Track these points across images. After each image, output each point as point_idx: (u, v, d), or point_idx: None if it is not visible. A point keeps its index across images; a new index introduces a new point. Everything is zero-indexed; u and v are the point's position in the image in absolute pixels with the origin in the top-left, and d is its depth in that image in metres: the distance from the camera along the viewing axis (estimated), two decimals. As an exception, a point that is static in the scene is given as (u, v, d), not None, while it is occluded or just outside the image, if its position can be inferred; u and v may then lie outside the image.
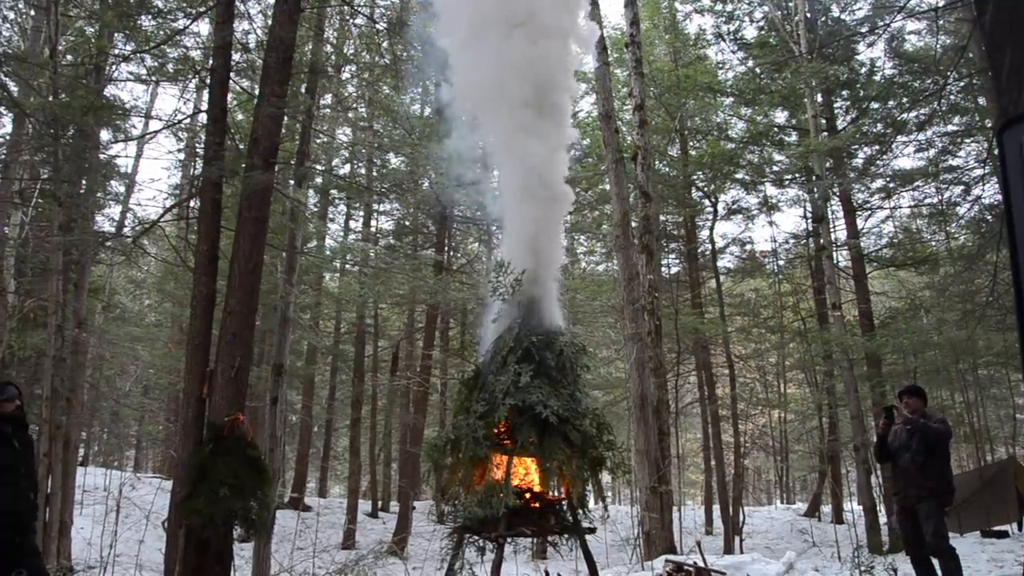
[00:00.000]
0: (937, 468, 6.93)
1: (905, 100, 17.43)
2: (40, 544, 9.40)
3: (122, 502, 13.35)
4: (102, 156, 13.45)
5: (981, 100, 15.79)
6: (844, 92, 20.04)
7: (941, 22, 13.22)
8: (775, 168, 21.66)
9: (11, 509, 5.64)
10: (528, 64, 7.50)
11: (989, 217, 16.14)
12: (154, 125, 18.35)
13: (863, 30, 17.75)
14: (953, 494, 7.05)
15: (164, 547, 8.03)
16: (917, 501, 6.91)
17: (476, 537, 7.10)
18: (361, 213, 23.40)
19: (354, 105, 17.33)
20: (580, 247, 25.30)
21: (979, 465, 19.64)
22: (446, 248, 21.92)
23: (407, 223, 23.76)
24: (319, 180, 18.71)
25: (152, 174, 51.95)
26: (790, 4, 19.53)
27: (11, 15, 13.24)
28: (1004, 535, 13.83)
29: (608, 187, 14.06)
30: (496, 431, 6.93)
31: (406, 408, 22.65)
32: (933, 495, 6.85)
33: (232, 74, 9.97)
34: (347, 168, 21.72)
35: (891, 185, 19.77)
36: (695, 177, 21.39)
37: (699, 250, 22.91)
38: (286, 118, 10.53)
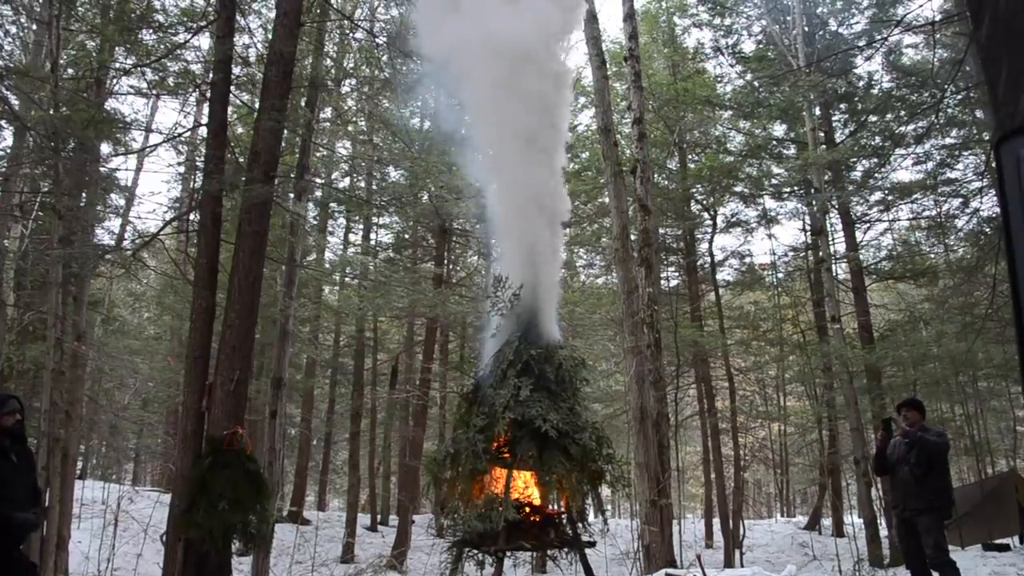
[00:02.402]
0: (936, 481, 6.92)
1: (903, 113, 17.49)
2: (38, 558, 9.37)
3: (120, 516, 13.33)
4: (102, 169, 13.49)
5: (978, 113, 15.85)
6: (842, 105, 20.11)
7: (938, 36, 13.26)
8: (774, 181, 21.72)
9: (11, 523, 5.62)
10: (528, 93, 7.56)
11: (987, 229, 16.18)
12: (154, 138, 18.36)
13: (861, 44, 17.83)
14: (952, 507, 7.03)
15: (162, 561, 8.01)
16: (916, 514, 6.89)
17: (475, 551, 7.07)
18: (361, 226, 23.43)
19: (354, 119, 17.39)
20: (579, 260, 25.34)
21: (980, 478, 19.59)
22: (445, 261, 21.92)
23: (406, 236, 23.79)
24: (319, 193, 18.76)
25: (152, 187, 52.13)
26: (788, 18, 19.63)
27: (13, 29, 13.30)
28: (1006, 548, 13.77)
29: (607, 200, 14.09)
30: (496, 445, 6.92)
31: (405, 421, 22.61)
32: (932, 508, 6.84)
33: (232, 88, 10.02)
34: (347, 181, 21.78)
35: (890, 198, 19.81)
36: (694, 190, 21.44)
37: (698, 263, 22.93)
38: (286, 132, 10.57)
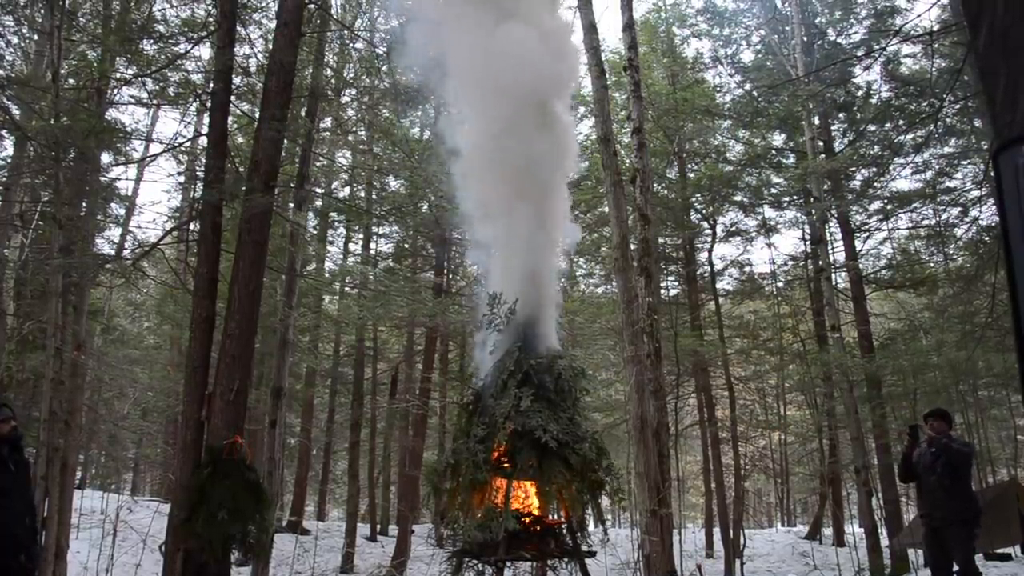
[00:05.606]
0: (963, 490, 7.02)
1: (902, 122, 17.51)
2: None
3: (119, 525, 13.29)
4: (103, 179, 13.50)
5: (977, 122, 15.89)
6: (841, 114, 20.15)
7: (936, 45, 13.30)
8: (773, 190, 21.74)
9: (9, 532, 5.61)
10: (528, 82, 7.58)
11: (987, 238, 16.18)
12: (155, 148, 18.40)
13: (859, 53, 17.88)
14: (980, 516, 7.09)
15: (161, 571, 7.98)
16: (946, 525, 6.99)
17: (475, 561, 7.05)
18: (360, 236, 23.43)
19: (354, 128, 17.42)
20: (579, 270, 25.31)
21: (980, 487, 19.55)
22: (445, 271, 21.93)
23: (406, 245, 23.80)
24: (319, 203, 18.77)
25: (152, 197, 52.16)
26: (787, 28, 19.69)
27: (14, 39, 13.34)
28: (1007, 557, 13.73)
29: (607, 210, 14.09)
30: (496, 455, 6.91)
31: (405, 431, 22.56)
32: (961, 519, 6.95)
33: (233, 98, 10.04)
34: (347, 191, 21.81)
35: (889, 207, 19.82)
36: (694, 199, 21.45)
37: (698, 272, 22.92)
38: (286, 141, 10.59)
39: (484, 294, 7.70)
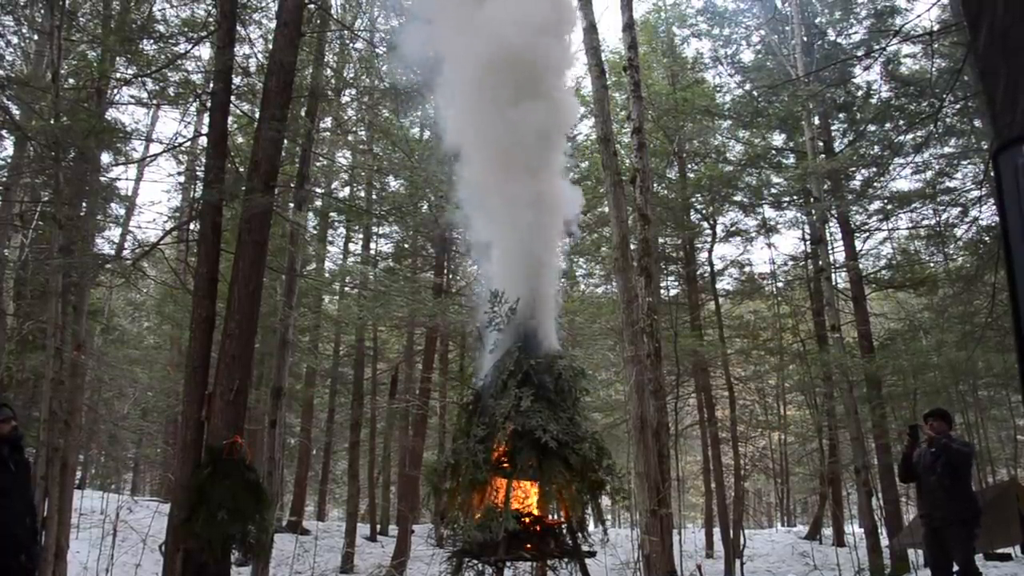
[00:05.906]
0: (962, 490, 7.04)
1: (902, 122, 17.51)
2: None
3: (119, 525, 13.29)
4: (103, 179, 13.50)
5: (977, 122, 15.89)
6: (841, 114, 20.15)
7: (936, 45, 13.30)
8: (773, 190, 21.74)
9: (9, 532, 5.61)
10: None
11: (987, 238, 16.18)
12: (155, 148, 18.41)
13: (859, 53, 17.88)
14: (980, 516, 7.10)
15: (161, 571, 7.98)
16: (946, 525, 7.01)
17: (475, 561, 7.05)
18: (360, 236, 23.44)
19: (354, 128, 17.42)
20: (579, 270, 25.29)
21: (980, 487, 19.54)
22: (445, 270, 21.93)
23: (406, 245, 23.80)
24: (319, 203, 18.77)
25: (152, 197, 52.17)
26: (786, 28, 19.70)
27: (14, 39, 13.34)
28: (1007, 558, 13.73)
29: (607, 210, 14.09)
30: (496, 455, 6.91)
31: (405, 431, 22.57)
32: (961, 519, 6.98)
33: (233, 98, 10.05)
34: (347, 191, 21.81)
35: (889, 207, 19.82)
36: (694, 199, 21.45)
37: (698, 272, 22.92)
38: (286, 141, 10.59)
39: (483, 280, 7.68)
